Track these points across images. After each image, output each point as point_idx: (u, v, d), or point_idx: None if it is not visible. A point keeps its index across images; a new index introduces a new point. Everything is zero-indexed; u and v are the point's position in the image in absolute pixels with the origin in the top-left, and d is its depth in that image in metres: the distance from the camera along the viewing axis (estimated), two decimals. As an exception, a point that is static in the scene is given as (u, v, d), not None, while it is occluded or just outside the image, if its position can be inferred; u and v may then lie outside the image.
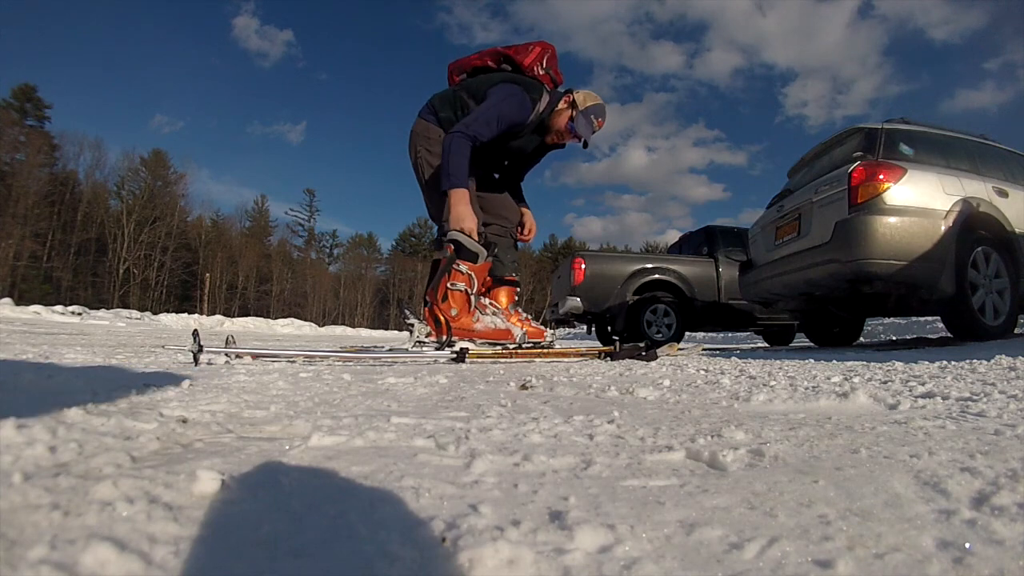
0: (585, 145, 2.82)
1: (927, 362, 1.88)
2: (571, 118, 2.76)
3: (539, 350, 2.61)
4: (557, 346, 2.88)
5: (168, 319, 14.17)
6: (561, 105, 2.78)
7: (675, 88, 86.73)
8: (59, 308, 11.72)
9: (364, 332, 22.09)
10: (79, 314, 11.51)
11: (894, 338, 6.93)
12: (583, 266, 6.09)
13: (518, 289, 2.97)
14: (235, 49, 72.29)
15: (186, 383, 1.17)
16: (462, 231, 2.51)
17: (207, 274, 35.66)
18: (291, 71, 76.26)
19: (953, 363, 1.79)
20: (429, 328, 2.62)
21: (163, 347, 2.75)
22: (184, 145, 73.49)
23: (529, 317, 2.89)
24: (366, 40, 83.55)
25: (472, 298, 2.61)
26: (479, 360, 2.22)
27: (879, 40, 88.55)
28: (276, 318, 19.89)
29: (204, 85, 73.80)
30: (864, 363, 1.97)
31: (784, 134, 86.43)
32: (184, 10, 69.17)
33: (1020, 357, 1.76)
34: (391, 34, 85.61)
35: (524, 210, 3.10)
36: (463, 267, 2.61)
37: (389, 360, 2.24)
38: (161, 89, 70.23)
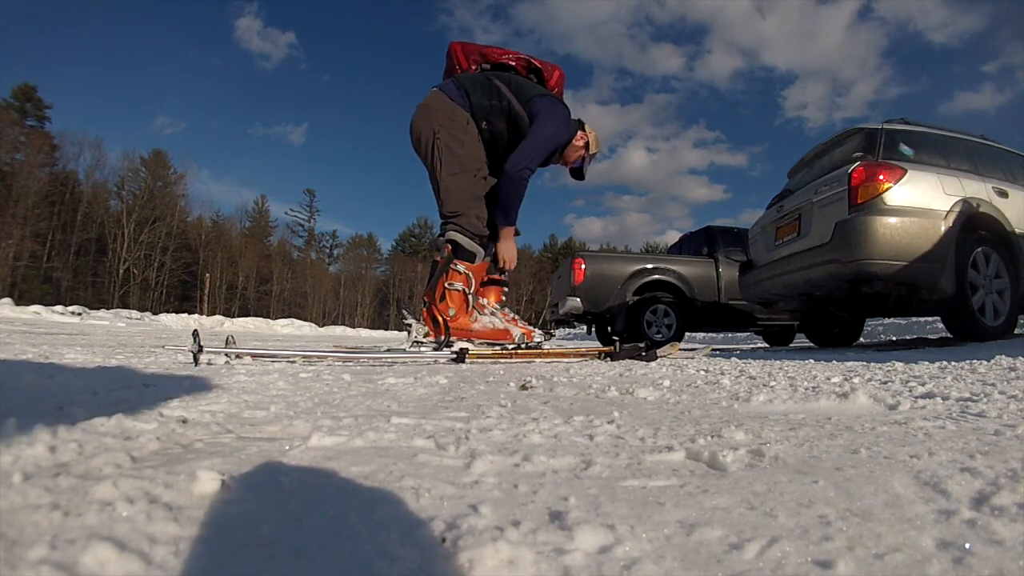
0: (581, 179, 3.00)
1: (927, 362, 1.88)
2: (582, 158, 2.92)
3: (537, 351, 2.60)
4: (546, 346, 2.85)
5: (168, 319, 14.16)
6: (578, 141, 2.86)
7: (675, 89, 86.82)
8: (59, 308, 11.72)
9: (364, 332, 22.09)
10: (79, 314, 11.51)
11: (894, 338, 6.93)
12: (583, 266, 6.08)
13: (506, 288, 2.98)
14: (237, 50, 72.38)
15: (186, 383, 1.17)
16: (511, 260, 2.70)
17: (207, 274, 35.68)
18: (293, 73, 76.38)
19: (953, 363, 1.79)
20: (427, 328, 2.62)
21: (163, 347, 2.75)
22: (186, 146, 73.76)
23: (516, 316, 2.87)
24: (368, 42, 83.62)
25: (470, 298, 2.61)
26: (479, 360, 2.22)
27: (878, 43, 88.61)
28: (276, 318, 19.88)
29: (206, 86, 73.93)
30: (864, 363, 1.97)
31: (784, 136, 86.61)
32: (186, 11, 69.29)
33: (1020, 357, 1.76)
34: (392, 36, 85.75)
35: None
36: (461, 267, 2.61)
37: (389, 360, 2.25)
38: (163, 90, 70.38)
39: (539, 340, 2.79)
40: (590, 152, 2.94)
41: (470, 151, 2.60)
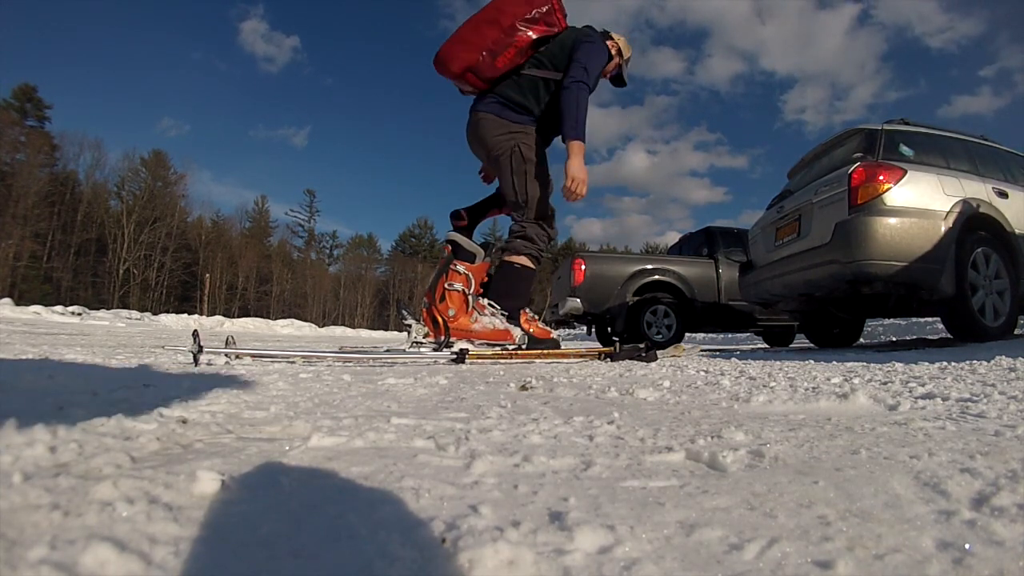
0: (624, 85, 2.97)
1: (927, 363, 1.88)
2: (618, 65, 2.87)
3: (540, 351, 2.59)
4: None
5: (168, 319, 14.16)
6: (611, 49, 2.80)
7: (676, 92, 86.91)
8: (59, 308, 11.72)
9: (364, 333, 22.08)
10: (79, 314, 11.51)
11: (894, 339, 6.93)
12: (583, 267, 6.08)
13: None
14: (242, 53, 72.51)
15: (186, 383, 1.17)
16: (580, 181, 2.55)
17: (207, 275, 35.64)
18: (297, 76, 76.55)
19: (953, 364, 1.78)
20: (427, 328, 2.62)
21: (163, 347, 2.75)
22: (189, 148, 73.72)
23: (536, 317, 2.83)
24: (370, 46, 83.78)
25: (470, 298, 2.61)
26: (479, 361, 2.22)
27: (877, 47, 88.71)
28: (276, 319, 19.87)
29: (210, 89, 74.03)
30: (864, 364, 1.96)
31: (783, 139, 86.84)
32: (186, 11, 69.40)
33: (1020, 358, 1.76)
34: (394, 40, 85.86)
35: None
36: (460, 267, 2.61)
37: (389, 361, 2.25)
38: (167, 92, 70.56)
39: (556, 339, 2.79)
40: (624, 57, 2.89)
41: (541, 163, 2.65)
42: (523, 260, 2.65)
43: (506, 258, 2.65)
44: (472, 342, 2.55)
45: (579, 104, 2.52)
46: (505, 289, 2.67)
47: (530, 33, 2.58)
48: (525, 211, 2.63)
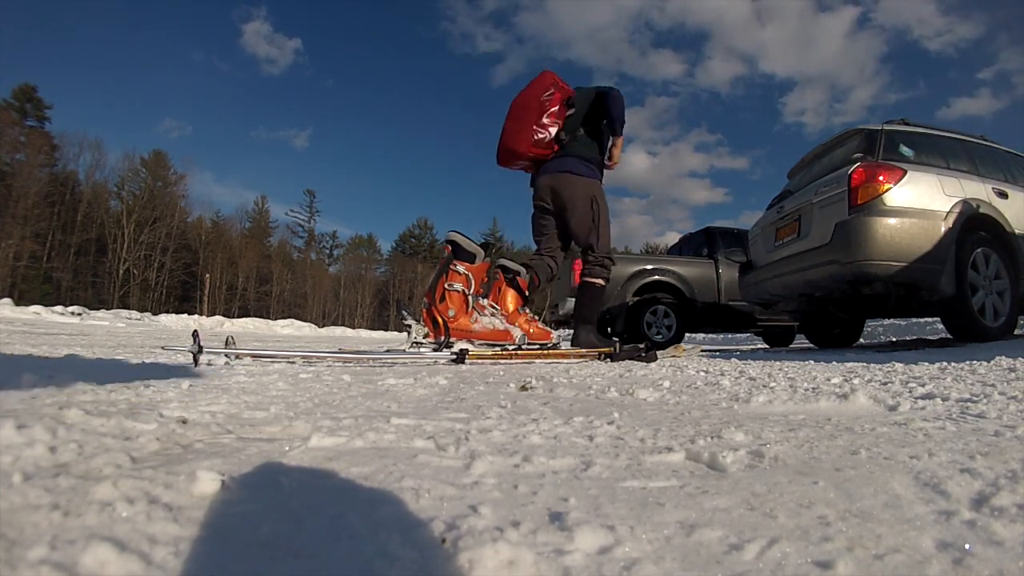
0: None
1: (927, 363, 1.88)
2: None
3: (539, 351, 2.60)
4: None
5: (168, 320, 14.15)
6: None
7: (676, 93, 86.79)
8: (59, 308, 11.72)
9: (364, 333, 22.06)
10: (79, 314, 11.50)
11: (894, 339, 6.93)
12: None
13: (527, 292, 3.07)
14: (243, 55, 72.46)
15: (186, 384, 1.17)
16: (619, 160, 3.23)
17: (207, 275, 35.62)
18: (299, 78, 76.53)
19: (953, 364, 1.78)
20: (427, 329, 2.62)
21: (163, 348, 2.75)
22: (190, 148, 73.44)
23: (535, 318, 2.95)
24: (371, 48, 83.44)
25: (470, 299, 2.61)
26: (479, 361, 2.21)
27: (877, 49, 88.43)
28: (276, 319, 19.85)
29: (212, 90, 73.79)
30: (864, 364, 1.96)
31: (783, 140, 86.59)
32: (186, 12, 69.37)
33: (1020, 358, 1.76)
34: (394, 42, 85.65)
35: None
36: (460, 268, 2.61)
37: (389, 361, 2.25)
38: (169, 93, 70.33)
39: (556, 341, 2.93)
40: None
41: (608, 211, 3.21)
42: (601, 281, 3.19)
43: (587, 279, 3.15)
44: (472, 342, 2.55)
45: (622, 109, 3.18)
46: (589, 302, 3.17)
47: (555, 95, 3.14)
48: (597, 247, 3.16)
